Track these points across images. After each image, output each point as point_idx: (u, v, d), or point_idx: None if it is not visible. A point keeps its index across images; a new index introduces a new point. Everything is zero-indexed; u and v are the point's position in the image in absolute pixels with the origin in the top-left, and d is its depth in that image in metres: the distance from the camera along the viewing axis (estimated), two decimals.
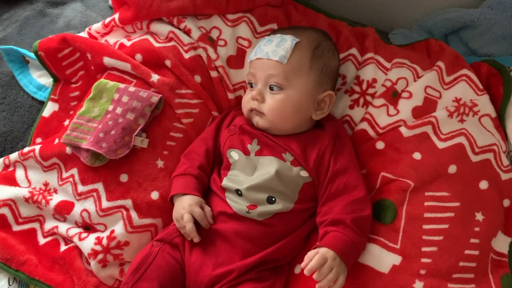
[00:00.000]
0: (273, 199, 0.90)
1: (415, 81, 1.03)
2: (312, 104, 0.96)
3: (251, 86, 0.98)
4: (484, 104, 1.00)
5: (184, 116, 1.03)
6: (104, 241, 0.93)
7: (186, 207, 0.90)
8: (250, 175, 0.93)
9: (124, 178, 0.97)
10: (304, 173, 0.92)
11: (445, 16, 1.27)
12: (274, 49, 0.94)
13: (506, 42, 1.18)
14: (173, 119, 1.02)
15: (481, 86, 1.01)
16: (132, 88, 1.01)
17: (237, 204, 0.90)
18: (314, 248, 0.82)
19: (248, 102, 0.97)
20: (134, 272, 0.87)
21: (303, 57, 0.94)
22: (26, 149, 1.04)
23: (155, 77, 1.02)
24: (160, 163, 0.99)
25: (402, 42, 1.23)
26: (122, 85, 1.02)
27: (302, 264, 0.80)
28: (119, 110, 0.99)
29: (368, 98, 1.04)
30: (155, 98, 1.00)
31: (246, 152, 0.95)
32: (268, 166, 0.92)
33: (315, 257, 0.79)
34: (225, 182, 0.94)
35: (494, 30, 1.19)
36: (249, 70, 0.99)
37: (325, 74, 0.97)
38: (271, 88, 0.94)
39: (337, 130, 0.98)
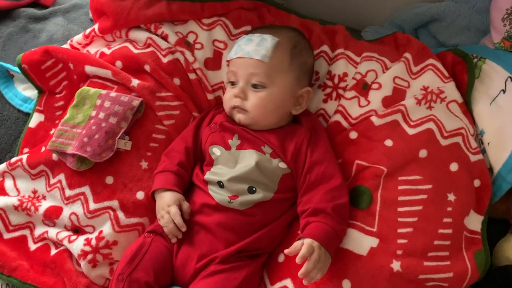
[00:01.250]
0: (254, 189, 0.93)
1: (383, 72, 1.07)
2: (292, 100, 1.00)
3: (232, 84, 1.01)
4: (451, 90, 1.04)
5: (165, 118, 1.06)
6: (93, 242, 0.95)
7: (165, 207, 0.92)
8: (232, 168, 0.96)
9: (109, 180, 0.99)
10: (282, 165, 0.96)
11: (414, 11, 1.33)
12: (255, 48, 0.97)
13: (471, 32, 1.23)
14: (155, 121, 1.05)
15: (447, 74, 1.05)
16: (113, 94, 1.04)
17: (219, 195, 0.93)
18: (299, 239, 0.85)
19: (230, 99, 1.00)
20: (129, 262, 0.89)
21: (283, 56, 0.98)
22: (13, 159, 1.06)
23: (135, 82, 1.06)
24: (144, 164, 1.02)
25: (373, 37, 1.28)
26: (104, 91, 1.05)
27: (287, 251, 0.82)
28: (101, 115, 1.02)
29: (340, 91, 1.08)
30: (136, 102, 1.03)
31: (227, 147, 0.98)
32: (248, 159, 0.95)
33: (304, 246, 0.81)
34: (208, 176, 0.97)
35: (459, 22, 1.24)
36: (229, 69, 1.01)
37: (303, 71, 1.02)
38: (254, 86, 0.98)
39: (313, 123, 1.02)
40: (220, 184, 0.94)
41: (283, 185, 0.96)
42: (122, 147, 1.01)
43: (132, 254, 0.89)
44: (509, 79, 1.00)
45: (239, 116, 0.99)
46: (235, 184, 0.93)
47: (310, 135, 0.98)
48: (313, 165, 0.94)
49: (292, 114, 1.02)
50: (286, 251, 0.83)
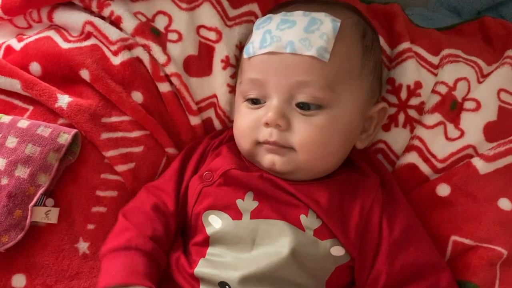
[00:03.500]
0: None
1: (479, 82, 0.70)
2: (361, 126, 0.65)
3: (255, 103, 0.63)
4: None
5: (118, 161, 0.67)
6: None
7: None
8: (245, 255, 0.58)
9: (19, 281, 0.60)
10: (338, 251, 0.58)
11: None
12: (303, 35, 0.58)
13: None
14: (99, 168, 0.67)
15: None
16: (23, 123, 0.63)
17: None
18: None
19: (252, 129, 0.62)
20: None
21: (351, 50, 0.61)
22: None
23: (64, 100, 0.66)
24: (82, 247, 0.63)
25: (424, 25, 0.90)
26: (6, 118, 0.63)
27: None
28: (1, 162, 0.60)
29: (412, 113, 0.69)
30: (66, 137, 0.63)
31: (236, 215, 0.59)
32: (276, 240, 0.57)
33: None
34: (201, 268, 0.57)
35: None
36: (250, 75, 0.63)
37: (378, 76, 0.66)
38: (302, 107, 0.59)
39: (378, 169, 0.65)
40: None
41: (334, 282, 0.58)
42: (41, 221, 0.62)
43: None
44: None
45: (272, 158, 0.60)
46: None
47: (382, 194, 0.61)
48: (396, 248, 0.58)
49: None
50: None
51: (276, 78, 0.59)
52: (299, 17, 0.60)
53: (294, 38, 0.58)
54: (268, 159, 0.60)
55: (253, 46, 0.61)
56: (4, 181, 0.58)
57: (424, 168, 0.67)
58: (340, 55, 0.59)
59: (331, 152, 0.61)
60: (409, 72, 0.69)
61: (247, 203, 0.60)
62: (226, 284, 0.55)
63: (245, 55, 0.64)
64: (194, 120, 0.71)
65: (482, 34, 0.77)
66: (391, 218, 0.59)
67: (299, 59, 0.58)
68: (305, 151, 0.59)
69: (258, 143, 0.61)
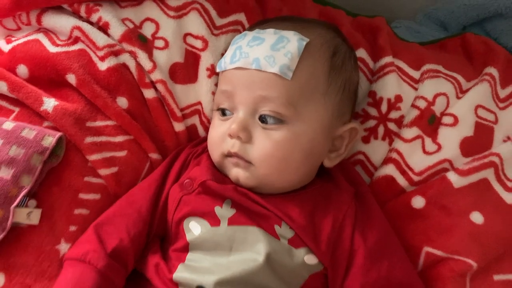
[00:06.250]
0: None
1: (458, 98, 0.71)
2: (327, 144, 0.64)
3: (224, 114, 0.64)
4: None
5: (102, 165, 0.67)
6: None
7: None
8: (223, 260, 0.59)
9: None
10: (311, 259, 0.58)
11: (465, 2, 0.98)
12: (269, 53, 0.60)
13: None
14: (83, 171, 0.66)
15: None
16: (9, 125, 0.63)
17: None
18: None
19: (221, 141, 0.63)
20: None
21: (317, 69, 0.62)
22: None
23: (49, 104, 0.66)
24: (63, 248, 0.63)
25: (409, 38, 0.91)
26: None
27: None
28: None
29: (392, 126, 0.71)
30: (50, 140, 0.63)
31: (214, 222, 0.60)
32: (252, 247, 0.58)
33: None
34: (179, 273, 0.58)
35: None
36: (221, 87, 0.65)
37: (347, 95, 0.65)
38: (263, 120, 0.61)
39: (353, 181, 0.66)
40: None
41: None
42: (23, 222, 0.61)
43: None
44: None
45: (236, 172, 0.61)
46: None
47: (355, 207, 0.62)
48: (369, 261, 0.58)
49: (320, 166, 0.64)
50: None
51: (242, 91, 0.61)
52: (269, 35, 0.61)
53: (260, 55, 0.59)
54: (233, 173, 0.61)
55: (225, 61, 0.63)
56: None
57: (401, 180, 0.68)
58: (304, 73, 0.60)
59: (292, 168, 0.61)
60: (390, 86, 0.71)
61: (224, 211, 0.60)
62: (202, 287, 0.56)
63: (217, 69, 0.65)
64: (178, 127, 0.72)
65: (463, 50, 0.79)
66: (365, 231, 0.60)
67: (264, 75, 0.59)
68: (263, 165, 0.60)
69: (226, 155, 0.61)
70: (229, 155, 0.61)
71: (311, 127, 0.61)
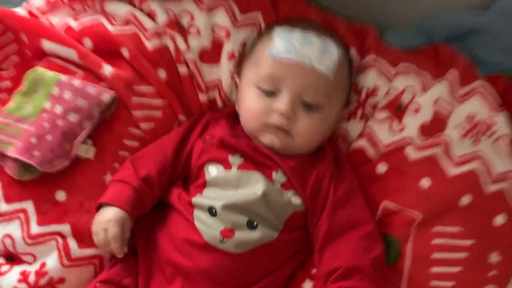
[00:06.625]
0: (255, 223, 0.74)
1: (423, 91, 0.88)
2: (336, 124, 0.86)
3: (267, 93, 0.79)
4: (502, 123, 0.84)
5: (142, 120, 0.85)
6: (32, 278, 0.74)
7: (103, 222, 0.73)
8: (231, 192, 0.77)
9: (61, 196, 0.78)
10: (296, 200, 0.77)
11: (448, 19, 1.13)
12: (319, 56, 0.77)
13: None
14: (128, 123, 0.84)
15: (499, 102, 0.86)
16: (77, 82, 0.82)
17: (208, 229, 0.73)
18: None
19: (267, 113, 0.78)
20: None
21: (343, 72, 0.82)
22: None
23: (107, 69, 0.83)
24: (109, 179, 0.82)
25: (395, 43, 1.07)
26: (64, 77, 0.82)
27: None
28: (59, 109, 0.80)
29: (368, 109, 0.88)
30: (107, 96, 0.81)
31: (227, 166, 0.78)
32: (254, 185, 0.76)
33: None
34: (197, 199, 0.77)
35: (505, 38, 1.04)
36: (269, 71, 0.79)
37: (349, 90, 0.87)
38: (307, 105, 0.78)
39: (335, 149, 0.84)
40: (211, 211, 0.74)
41: (291, 224, 0.77)
42: (82, 155, 0.80)
43: None
44: None
45: (273, 138, 0.78)
46: (232, 213, 0.74)
47: (333, 166, 0.80)
48: (337, 205, 0.76)
49: None
50: None
51: (292, 79, 0.76)
52: (315, 39, 0.78)
53: (312, 56, 0.77)
54: (268, 138, 0.78)
55: (278, 50, 0.77)
56: (60, 122, 0.78)
57: (371, 151, 0.85)
58: (337, 76, 0.79)
59: (315, 141, 0.81)
60: (370, 78, 0.88)
61: (235, 159, 0.79)
62: (213, 208, 0.74)
63: (268, 54, 0.78)
64: (202, 97, 0.89)
65: (435, 55, 0.94)
66: (338, 184, 0.78)
67: (313, 71, 0.77)
68: (300, 138, 0.78)
69: (269, 126, 0.77)
70: (271, 125, 0.77)
71: (334, 113, 0.82)
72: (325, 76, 0.77)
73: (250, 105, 0.80)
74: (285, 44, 0.78)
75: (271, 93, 0.78)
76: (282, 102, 0.76)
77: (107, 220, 0.72)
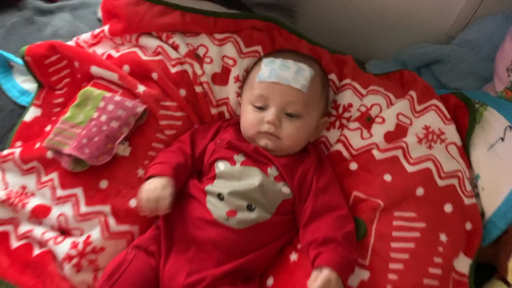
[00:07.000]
0: (253, 206, 0.92)
1: (388, 107, 1.08)
2: (314, 129, 1.03)
3: (259, 108, 0.99)
4: (451, 133, 1.06)
5: (167, 128, 1.05)
6: (80, 246, 0.93)
7: (152, 186, 0.90)
8: (234, 183, 0.96)
9: (104, 184, 0.98)
10: (286, 190, 0.96)
11: (418, 51, 1.35)
12: (294, 76, 0.97)
13: (473, 78, 1.26)
14: (156, 130, 1.05)
15: (448, 116, 1.07)
16: (118, 98, 1.03)
17: (217, 209, 0.92)
18: (316, 268, 0.84)
19: (259, 124, 0.98)
20: (108, 279, 0.87)
21: (316, 87, 1.01)
22: (5, 152, 1.04)
23: (141, 88, 1.05)
24: (140, 172, 1.01)
25: (377, 72, 1.29)
26: (108, 94, 1.04)
27: (312, 285, 0.81)
28: (103, 117, 1.01)
29: (344, 121, 1.09)
30: (140, 108, 1.02)
31: (233, 162, 0.98)
32: (252, 178, 0.95)
33: (319, 278, 0.81)
34: (208, 187, 0.96)
35: (462, 67, 1.26)
36: (257, 92, 0.99)
37: (325, 101, 1.06)
38: (289, 115, 0.98)
39: (318, 151, 1.04)
40: (220, 197, 0.93)
41: (281, 209, 0.96)
42: (120, 153, 1.00)
43: (111, 270, 0.88)
44: (508, 128, 1.02)
45: (266, 142, 0.98)
46: (235, 199, 0.93)
47: (316, 164, 0.99)
48: (319, 193, 0.94)
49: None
50: (310, 284, 0.82)
51: (277, 97, 0.97)
52: (292, 64, 0.98)
53: (289, 77, 0.96)
54: (263, 142, 0.97)
55: (264, 76, 0.98)
56: (104, 127, 0.98)
57: (345, 153, 1.04)
58: (311, 90, 0.98)
59: (301, 142, 1.00)
60: (346, 97, 1.09)
61: (239, 157, 0.98)
62: (221, 194, 0.93)
63: (257, 79, 0.99)
64: (213, 111, 1.10)
65: (400, 80, 1.15)
66: (319, 177, 0.96)
67: (291, 89, 0.97)
68: (287, 139, 0.97)
69: (262, 133, 0.97)
70: (263, 132, 0.97)
71: (313, 119, 1.00)
72: (300, 91, 0.97)
73: (247, 118, 1.01)
74: (268, 71, 0.99)
75: (262, 108, 0.99)
76: (270, 115, 0.97)
77: (157, 185, 0.89)
